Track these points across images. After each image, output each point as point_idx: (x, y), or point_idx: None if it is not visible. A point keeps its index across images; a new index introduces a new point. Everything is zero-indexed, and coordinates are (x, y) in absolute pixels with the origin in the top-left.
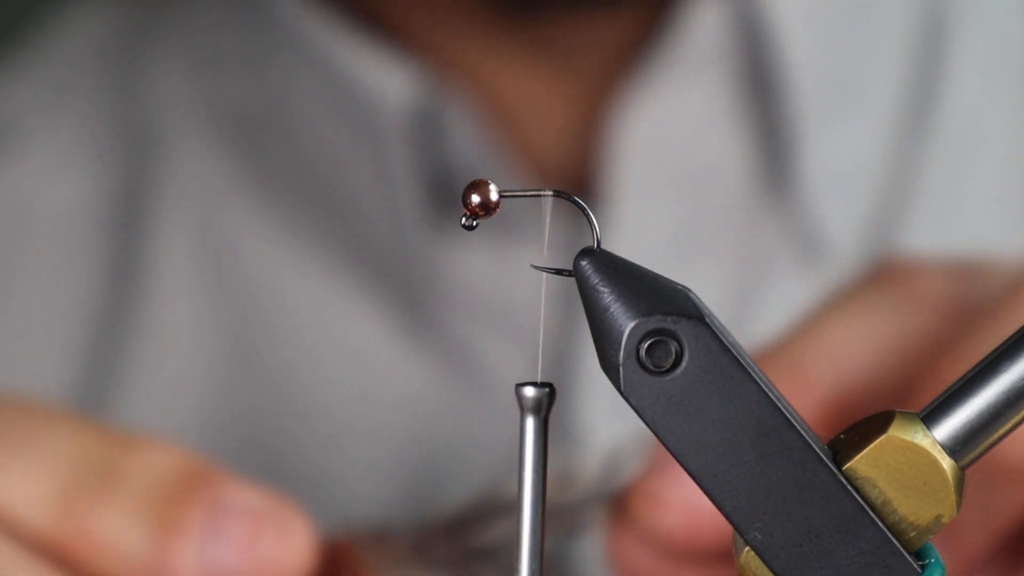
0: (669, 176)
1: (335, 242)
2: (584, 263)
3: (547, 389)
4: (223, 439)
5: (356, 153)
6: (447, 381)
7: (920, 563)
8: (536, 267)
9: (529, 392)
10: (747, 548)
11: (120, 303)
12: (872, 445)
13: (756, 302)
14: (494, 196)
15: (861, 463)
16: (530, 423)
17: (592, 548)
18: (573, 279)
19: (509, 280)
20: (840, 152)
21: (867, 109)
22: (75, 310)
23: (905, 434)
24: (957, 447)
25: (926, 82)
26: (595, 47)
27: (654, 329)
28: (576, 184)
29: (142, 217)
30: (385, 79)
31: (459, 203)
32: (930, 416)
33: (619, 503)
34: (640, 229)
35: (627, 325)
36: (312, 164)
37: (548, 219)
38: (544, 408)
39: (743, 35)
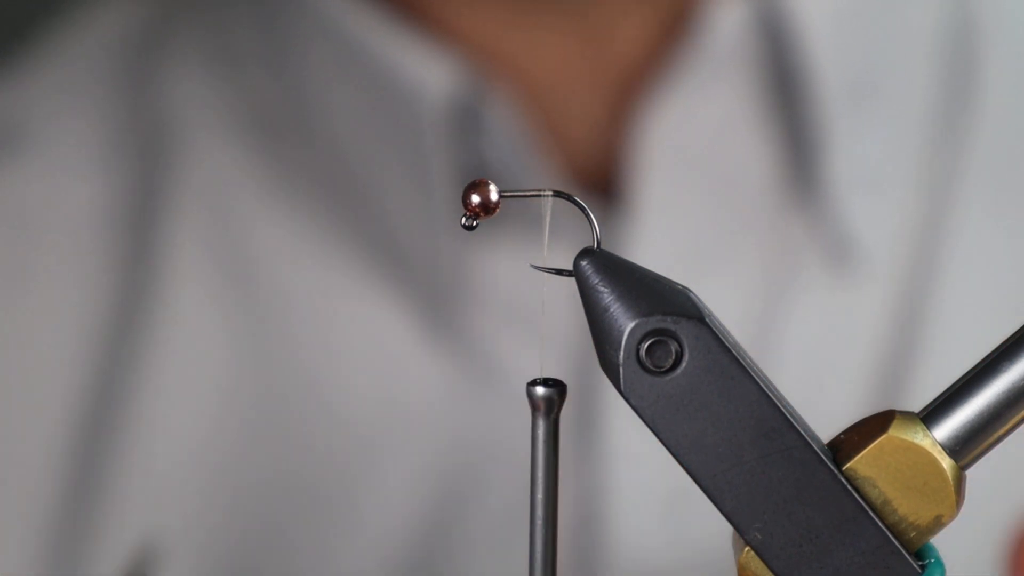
0: (694, 179)
1: (361, 242)
2: (584, 263)
3: (557, 388)
4: (240, 445)
5: (390, 147)
6: (473, 385)
7: (920, 563)
8: (536, 267)
9: (540, 391)
10: (747, 548)
11: (134, 307)
12: (872, 445)
13: (784, 309)
14: (494, 196)
15: (861, 463)
16: (541, 423)
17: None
18: (573, 280)
19: (537, 282)
20: (869, 153)
21: (896, 108)
22: (89, 313)
23: (905, 434)
24: (957, 447)
25: (958, 79)
26: (628, 35)
27: (654, 329)
28: (603, 180)
29: (156, 218)
30: (424, 71)
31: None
32: (930, 416)
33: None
34: (665, 233)
35: (627, 325)
36: (339, 160)
37: (548, 219)
38: (555, 406)
39: (768, 36)
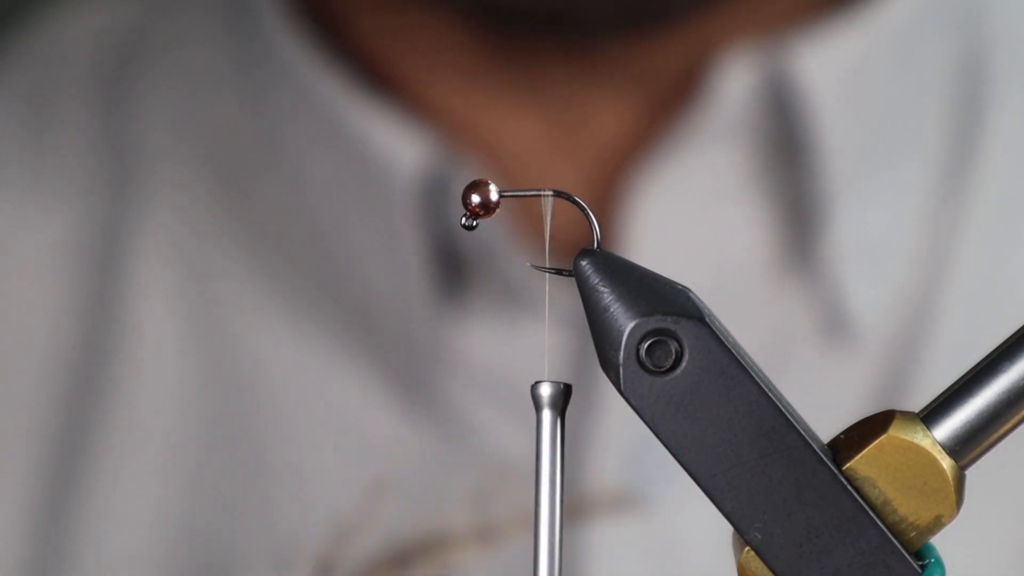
0: (687, 249)
1: (331, 305)
2: (584, 263)
3: (561, 386)
4: (201, 503)
5: (361, 213)
6: (449, 459)
7: (920, 563)
8: (536, 267)
9: (545, 388)
10: (747, 548)
11: (93, 352)
12: (872, 445)
13: (778, 381)
14: (494, 196)
15: (861, 463)
16: (546, 418)
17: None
18: (573, 280)
19: (515, 355)
20: (871, 224)
21: (901, 178)
22: (49, 352)
23: (905, 434)
24: (957, 447)
25: (963, 146)
26: (612, 114)
27: (654, 329)
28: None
29: (120, 260)
30: (397, 141)
31: (466, 274)
32: (930, 416)
33: None
34: None
35: (627, 325)
36: (310, 220)
37: (548, 220)
38: (560, 404)
39: (773, 103)
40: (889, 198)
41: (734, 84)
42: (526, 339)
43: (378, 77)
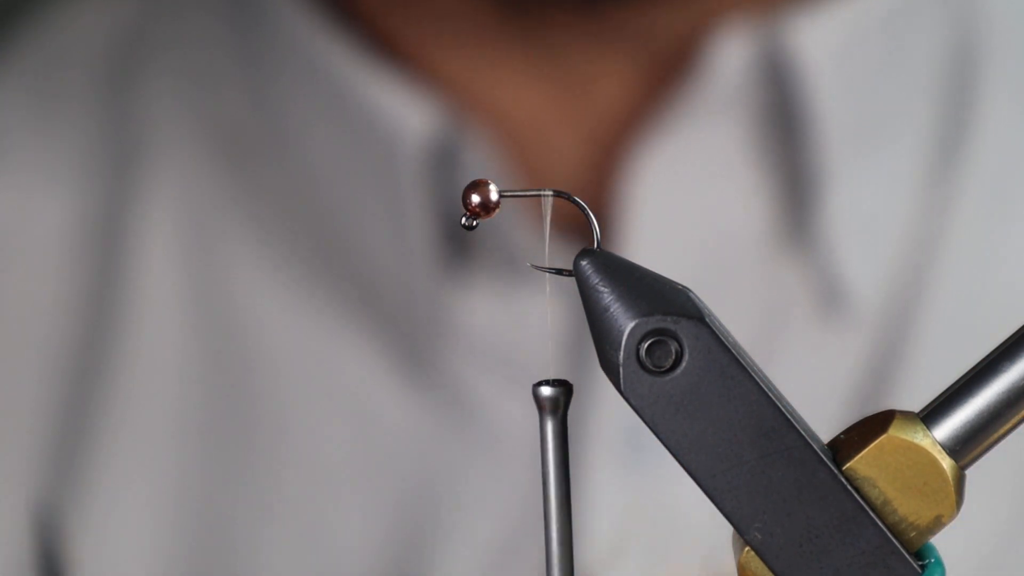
0: (686, 223)
1: (335, 277)
2: (584, 263)
3: (563, 387)
4: (204, 479)
5: (366, 185)
6: (450, 428)
7: (920, 563)
8: (536, 267)
9: (546, 391)
10: (747, 548)
11: (100, 333)
12: (872, 445)
13: (774, 354)
14: (494, 196)
15: (861, 463)
16: (549, 421)
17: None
18: (573, 280)
19: (517, 325)
20: (865, 198)
21: (895, 151)
22: (55, 336)
23: (905, 434)
24: (957, 447)
25: (956, 120)
26: (615, 85)
27: (654, 329)
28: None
29: (126, 241)
30: (403, 111)
31: (469, 245)
32: (930, 416)
33: None
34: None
35: (627, 325)
36: (314, 193)
37: (548, 219)
38: (562, 406)
39: (769, 76)
40: (883, 173)
41: (731, 57)
42: (529, 310)
43: (383, 45)
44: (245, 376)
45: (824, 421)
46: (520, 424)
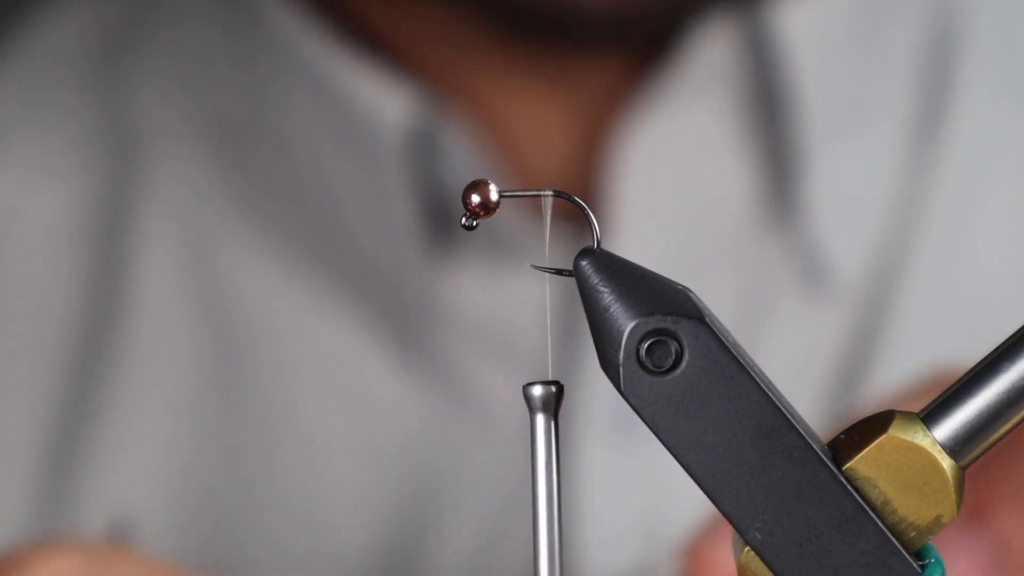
0: (670, 201)
1: (326, 263)
2: (584, 263)
3: (554, 387)
4: (204, 465)
5: (351, 172)
6: (442, 411)
7: (920, 563)
8: (536, 267)
9: (537, 391)
10: (747, 548)
11: (100, 323)
12: (872, 445)
13: (758, 331)
14: (494, 196)
15: (861, 463)
16: (540, 422)
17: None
18: (573, 280)
19: (507, 306)
20: (847, 176)
21: (875, 132)
22: (54, 326)
23: (905, 434)
24: (957, 447)
25: (934, 104)
26: (596, 69)
27: (654, 329)
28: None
29: (124, 232)
30: (383, 99)
31: (455, 227)
32: (930, 416)
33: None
34: (640, 255)
35: (627, 325)
36: (304, 182)
37: (548, 219)
38: (553, 406)
39: (751, 57)
40: (864, 152)
41: (713, 38)
42: (516, 289)
43: (363, 35)
44: (239, 361)
45: (807, 395)
46: (511, 405)
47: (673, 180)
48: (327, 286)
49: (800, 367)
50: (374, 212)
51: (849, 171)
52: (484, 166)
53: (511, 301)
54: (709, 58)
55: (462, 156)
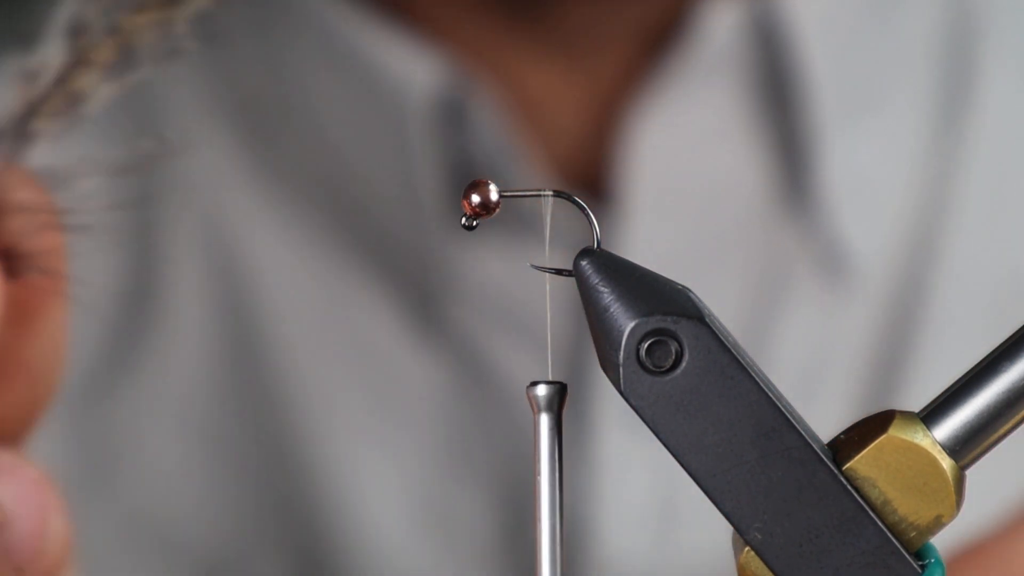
0: (682, 186)
1: (348, 235)
2: (584, 263)
3: (558, 386)
4: (229, 438)
5: (377, 143)
6: (461, 384)
7: (920, 563)
8: (536, 267)
9: (541, 390)
10: (747, 548)
11: (131, 291)
12: (872, 445)
13: (773, 320)
14: (494, 196)
15: (861, 463)
16: (544, 421)
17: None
18: (573, 279)
19: (527, 281)
20: (863, 162)
21: (891, 116)
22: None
23: (905, 434)
24: (957, 447)
25: (956, 85)
26: (611, 41)
27: (654, 329)
28: (592, 183)
29: (150, 203)
30: (410, 68)
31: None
32: (930, 416)
33: None
34: (652, 240)
35: (627, 325)
36: (326, 155)
37: (548, 219)
38: (556, 406)
39: (760, 40)
40: (880, 137)
41: (724, 21)
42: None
43: (388, 4)
44: (262, 334)
45: (831, 390)
46: (527, 376)
47: (685, 165)
48: (349, 257)
49: (822, 360)
50: (400, 185)
51: (865, 156)
52: (508, 136)
53: (531, 274)
54: (719, 42)
55: (488, 125)
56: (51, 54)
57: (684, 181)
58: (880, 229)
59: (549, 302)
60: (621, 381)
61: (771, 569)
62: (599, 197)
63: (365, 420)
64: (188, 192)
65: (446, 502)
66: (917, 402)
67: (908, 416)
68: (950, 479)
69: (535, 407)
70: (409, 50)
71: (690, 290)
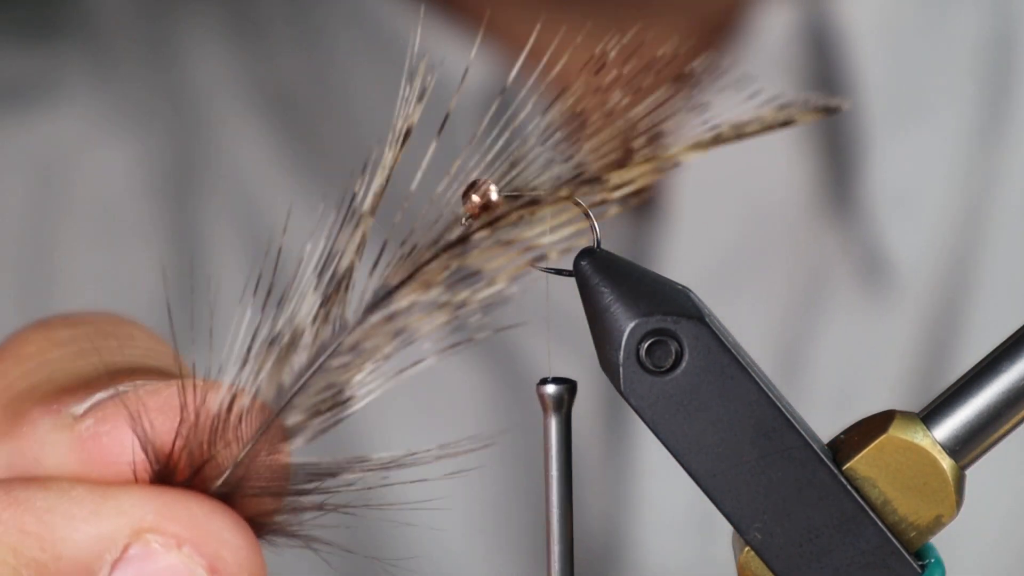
0: (726, 192)
1: (386, 228)
2: (584, 263)
3: (567, 385)
4: None
5: (419, 136)
6: (498, 386)
7: (920, 563)
8: (536, 267)
9: (550, 389)
10: (747, 548)
11: (179, 273)
12: (872, 445)
13: (815, 325)
14: (494, 196)
15: (861, 463)
16: (553, 421)
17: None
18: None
19: (566, 283)
20: (906, 170)
21: (935, 124)
22: (136, 274)
23: (905, 434)
24: (957, 447)
25: (998, 96)
26: (662, 46)
27: (654, 329)
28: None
29: (191, 191)
30: (456, 60)
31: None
32: (930, 416)
33: None
34: (695, 245)
35: (627, 325)
36: (364, 147)
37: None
38: (566, 404)
39: (813, 43)
40: (925, 144)
41: (775, 24)
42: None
43: None
44: None
45: (873, 395)
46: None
47: (729, 170)
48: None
49: (862, 368)
50: (440, 176)
51: (909, 164)
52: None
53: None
54: (770, 44)
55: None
56: None
57: (728, 187)
58: (922, 238)
59: (547, 297)
60: (621, 381)
61: (771, 569)
62: (643, 201)
63: (395, 416)
64: (224, 176)
65: (460, 491)
66: None
67: (908, 416)
68: (950, 479)
69: (544, 405)
70: (454, 42)
71: (690, 290)
